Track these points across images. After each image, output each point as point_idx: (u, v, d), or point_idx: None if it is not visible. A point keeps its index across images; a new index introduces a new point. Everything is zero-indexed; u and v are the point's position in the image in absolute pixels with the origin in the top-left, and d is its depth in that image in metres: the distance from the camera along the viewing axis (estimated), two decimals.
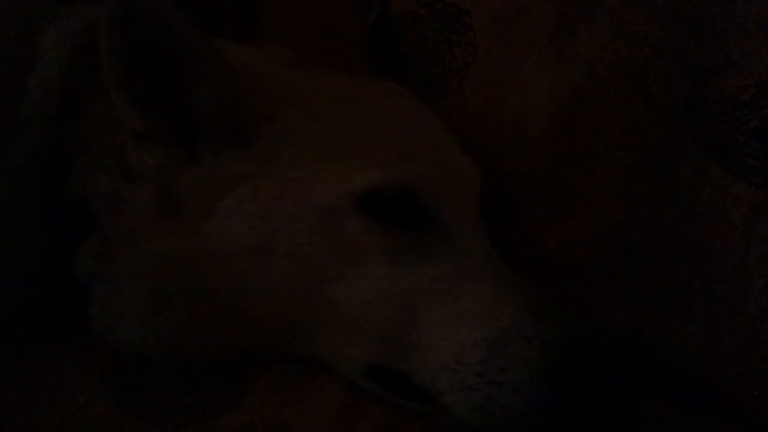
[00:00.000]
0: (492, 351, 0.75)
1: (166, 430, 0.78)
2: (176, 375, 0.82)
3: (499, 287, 0.80)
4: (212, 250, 0.79)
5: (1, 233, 0.84)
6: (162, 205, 0.81)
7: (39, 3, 0.93)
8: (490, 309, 0.77)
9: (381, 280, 0.78)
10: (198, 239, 0.79)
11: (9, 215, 0.84)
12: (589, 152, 0.91)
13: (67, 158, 0.86)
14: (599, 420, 0.74)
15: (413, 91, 1.03)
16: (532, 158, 0.95)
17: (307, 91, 0.88)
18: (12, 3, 0.92)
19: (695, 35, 0.84)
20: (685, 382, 0.86)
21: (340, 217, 0.79)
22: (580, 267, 0.92)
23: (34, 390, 0.81)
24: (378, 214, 0.80)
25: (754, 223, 0.82)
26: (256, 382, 0.82)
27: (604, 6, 0.89)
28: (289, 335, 0.82)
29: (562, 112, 0.93)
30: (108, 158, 0.84)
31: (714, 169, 0.84)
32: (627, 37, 0.88)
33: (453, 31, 1.03)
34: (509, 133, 0.97)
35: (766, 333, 0.82)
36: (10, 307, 0.85)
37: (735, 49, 0.82)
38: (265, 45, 1.11)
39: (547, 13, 0.93)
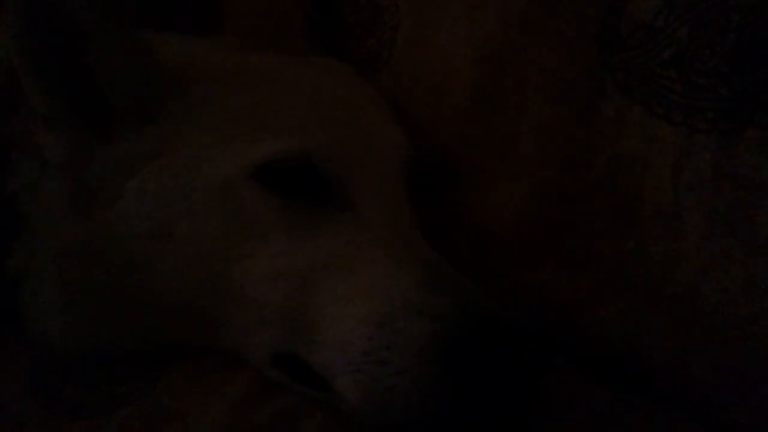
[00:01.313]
0: (379, 327, 0.67)
1: (67, 422, 0.76)
2: (93, 369, 0.81)
3: (398, 259, 0.72)
4: (118, 236, 0.76)
5: None
6: (74, 193, 0.79)
7: None
8: (385, 282, 0.70)
9: (280, 256, 0.73)
10: (105, 226, 0.77)
11: None
12: (509, 109, 0.80)
13: (7, 155, 0.87)
14: (500, 402, 0.64)
15: (355, 67, 0.97)
16: (458, 123, 0.85)
17: (219, 68, 0.84)
18: None
19: None
20: (618, 361, 0.73)
21: (238, 192, 0.75)
22: (509, 239, 0.81)
23: None
24: (278, 187, 0.75)
25: (681, 169, 0.69)
26: (167, 374, 0.80)
27: None
28: (199, 324, 0.77)
29: (481, 69, 0.82)
30: (34, 150, 0.84)
31: (635, 112, 0.72)
32: None
33: None
34: (435, 99, 0.87)
35: (705, 299, 0.68)
36: None
37: None
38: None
39: None
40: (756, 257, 0.65)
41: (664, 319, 0.70)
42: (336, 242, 0.74)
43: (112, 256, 0.77)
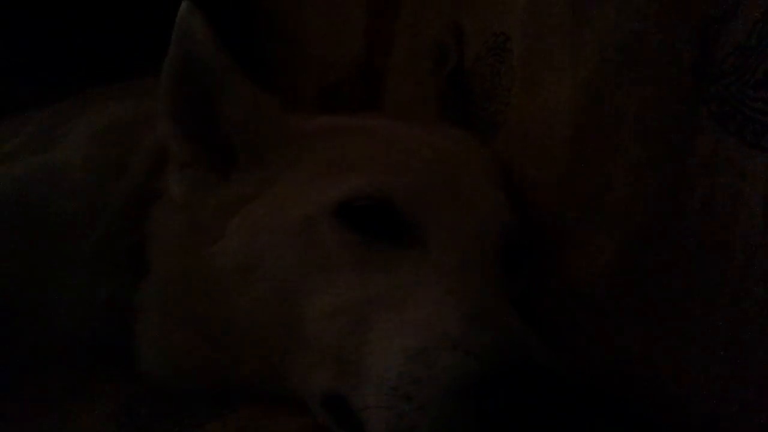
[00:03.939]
0: (412, 360, 0.62)
1: None
2: (175, 400, 0.84)
3: (450, 296, 0.68)
4: (214, 270, 0.80)
5: (92, 266, 0.93)
6: (188, 230, 0.84)
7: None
8: (432, 317, 0.65)
9: (343, 291, 0.72)
10: (206, 260, 0.81)
11: (102, 251, 0.93)
12: (605, 152, 0.73)
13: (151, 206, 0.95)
14: None
15: (479, 136, 0.95)
16: (558, 176, 0.78)
17: (328, 126, 0.89)
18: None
19: None
20: None
21: (318, 228, 0.76)
22: (597, 298, 0.72)
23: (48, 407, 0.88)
24: (356, 226, 0.75)
25: None
26: (233, 411, 0.80)
27: None
28: (269, 362, 0.77)
29: (580, 111, 0.76)
30: (167, 198, 0.90)
31: (729, 145, 0.62)
32: (632, 8, 0.71)
33: (500, 60, 0.92)
34: (539, 154, 0.81)
35: None
36: (76, 335, 0.93)
37: None
38: None
39: (562, 5, 0.79)
40: None
41: (750, 393, 0.56)
42: (398, 278, 0.71)
43: (205, 289, 0.80)
